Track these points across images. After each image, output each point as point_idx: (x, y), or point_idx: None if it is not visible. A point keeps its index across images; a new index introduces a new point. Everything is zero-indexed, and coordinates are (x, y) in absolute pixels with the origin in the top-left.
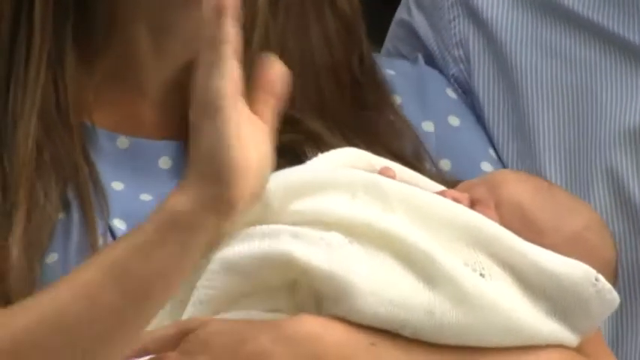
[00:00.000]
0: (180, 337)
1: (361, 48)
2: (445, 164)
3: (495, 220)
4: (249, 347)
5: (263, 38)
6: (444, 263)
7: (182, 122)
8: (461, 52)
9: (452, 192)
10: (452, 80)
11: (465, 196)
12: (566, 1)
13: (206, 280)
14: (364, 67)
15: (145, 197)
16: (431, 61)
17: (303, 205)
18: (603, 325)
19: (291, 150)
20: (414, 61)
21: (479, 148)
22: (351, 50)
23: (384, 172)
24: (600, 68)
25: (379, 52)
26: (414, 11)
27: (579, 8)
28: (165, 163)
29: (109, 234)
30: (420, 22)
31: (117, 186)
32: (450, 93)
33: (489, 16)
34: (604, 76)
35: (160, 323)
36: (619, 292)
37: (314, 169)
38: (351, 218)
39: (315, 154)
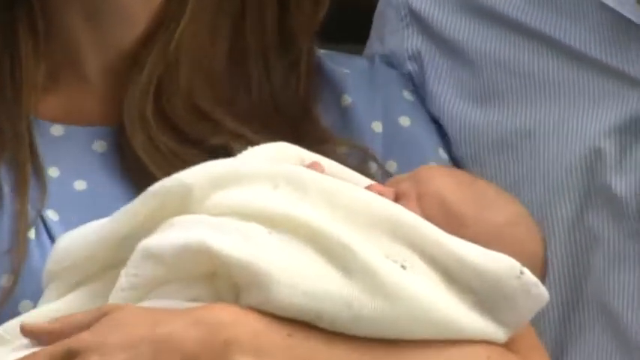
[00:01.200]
0: (96, 320)
1: (299, 63)
2: (391, 165)
3: (417, 214)
4: (162, 330)
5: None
6: (362, 254)
7: (120, 108)
8: (412, 53)
9: (378, 186)
10: (407, 78)
11: (390, 190)
12: (511, 12)
13: (130, 268)
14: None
15: (80, 185)
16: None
17: (225, 196)
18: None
19: (222, 150)
20: (372, 60)
21: (428, 149)
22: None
23: (312, 166)
24: (554, 79)
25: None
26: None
27: (525, 18)
28: (100, 146)
29: (41, 224)
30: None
31: (53, 172)
32: (407, 95)
33: (443, 30)
34: (559, 86)
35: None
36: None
37: (238, 162)
38: (271, 209)
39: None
